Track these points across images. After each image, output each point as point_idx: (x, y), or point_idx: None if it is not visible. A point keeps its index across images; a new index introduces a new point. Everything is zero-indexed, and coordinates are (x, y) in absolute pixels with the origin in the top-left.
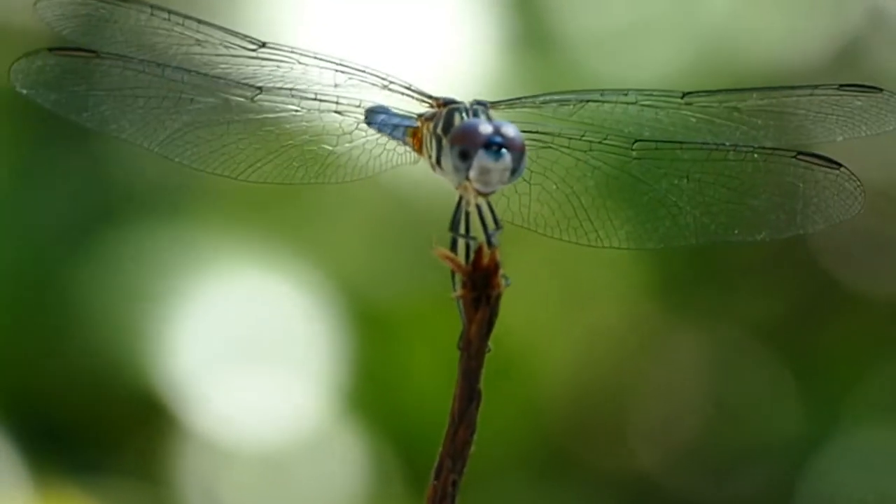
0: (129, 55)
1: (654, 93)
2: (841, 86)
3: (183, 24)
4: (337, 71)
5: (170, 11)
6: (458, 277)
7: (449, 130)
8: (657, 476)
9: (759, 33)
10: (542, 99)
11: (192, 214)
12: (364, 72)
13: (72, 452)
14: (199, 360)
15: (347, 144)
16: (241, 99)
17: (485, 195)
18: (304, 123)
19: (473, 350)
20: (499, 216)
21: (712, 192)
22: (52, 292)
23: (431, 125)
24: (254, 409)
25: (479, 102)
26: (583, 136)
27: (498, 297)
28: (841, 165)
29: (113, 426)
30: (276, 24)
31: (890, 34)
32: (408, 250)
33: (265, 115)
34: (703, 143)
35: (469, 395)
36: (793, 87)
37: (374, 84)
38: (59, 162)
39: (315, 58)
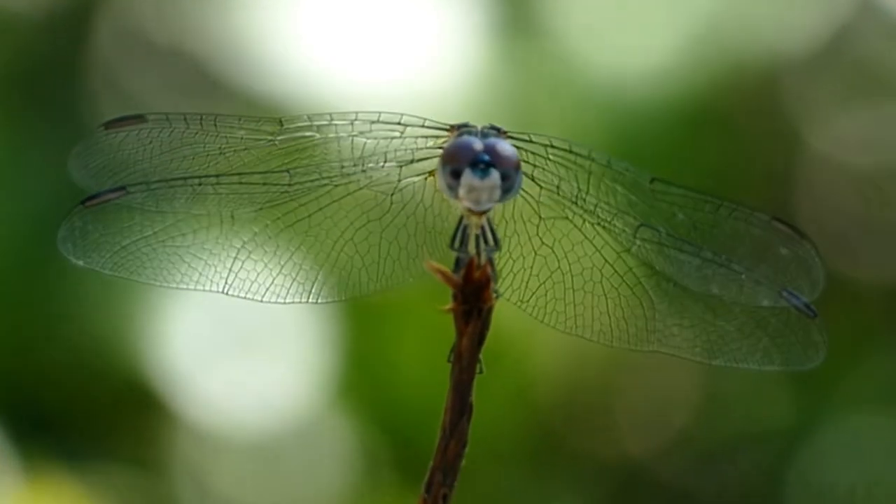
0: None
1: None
2: (774, 219)
3: (202, 127)
4: (353, 136)
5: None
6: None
7: None
8: (647, 463)
9: (749, 22)
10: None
11: None
12: (378, 121)
13: (63, 440)
14: (190, 348)
15: (391, 213)
16: (276, 187)
17: (477, 214)
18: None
19: (465, 363)
20: (498, 235)
21: (692, 302)
22: (43, 280)
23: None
24: (244, 396)
25: (492, 127)
26: (596, 207)
27: (489, 310)
28: (817, 316)
29: (104, 414)
30: (260, 26)
31: (880, 23)
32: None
33: (300, 205)
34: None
35: (460, 408)
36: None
37: (390, 134)
38: (47, 149)
39: (331, 122)
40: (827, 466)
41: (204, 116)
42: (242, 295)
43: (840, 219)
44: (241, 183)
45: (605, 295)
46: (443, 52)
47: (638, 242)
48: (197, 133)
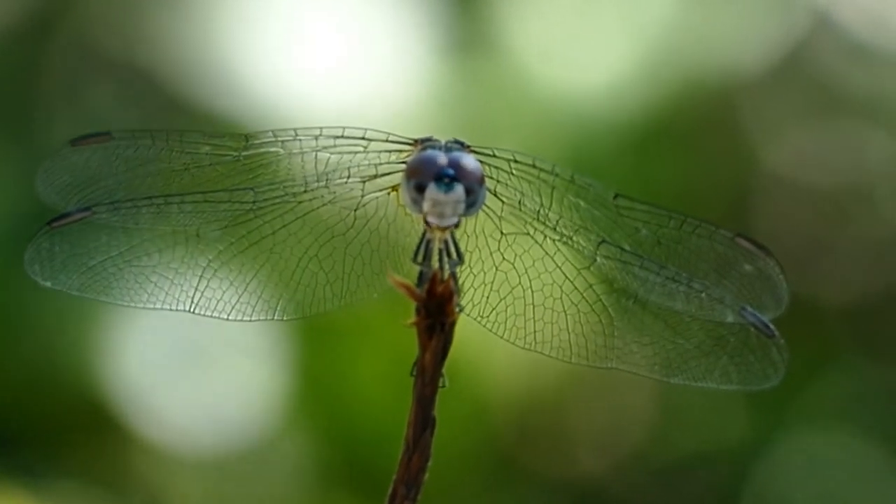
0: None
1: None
2: (737, 235)
3: (167, 144)
4: (317, 152)
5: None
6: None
7: None
8: (603, 481)
9: (706, 39)
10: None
11: None
12: (342, 136)
13: (18, 457)
14: (145, 366)
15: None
16: (241, 204)
17: (441, 228)
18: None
19: (428, 377)
20: (461, 249)
21: (652, 320)
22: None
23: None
24: (200, 414)
25: (456, 141)
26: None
27: (452, 325)
28: (776, 335)
29: (59, 431)
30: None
31: (836, 40)
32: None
33: (265, 222)
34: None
35: (423, 421)
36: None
37: (354, 149)
38: (4, 165)
39: (295, 138)
40: (783, 483)
41: (169, 133)
42: (209, 314)
43: (797, 236)
44: (206, 201)
45: (564, 311)
46: (401, 69)
47: (599, 259)
48: (162, 150)
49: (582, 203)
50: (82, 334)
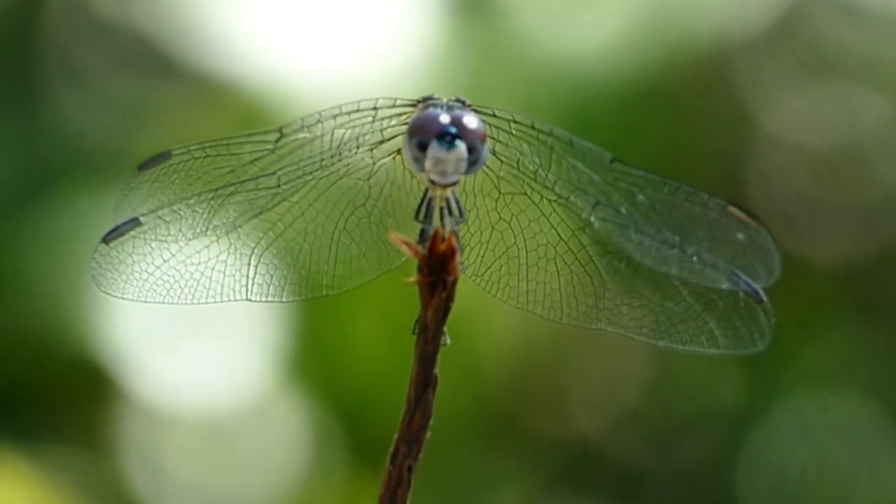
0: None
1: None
2: (730, 203)
3: (217, 151)
4: (335, 129)
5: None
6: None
7: None
8: (599, 442)
9: (700, 1)
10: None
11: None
12: (357, 110)
13: (12, 420)
14: (140, 328)
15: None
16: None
17: (442, 186)
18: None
19: (429, 335)
20: (463, 207)
21: (642, 283)
22: None
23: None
24: (196, 376)
25: (457, 100)
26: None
27: (454, 282)
28: (764, 301)
29: (54, 394)
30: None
31: (830, 2)
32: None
33: (293, 203)
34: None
35: (425, 380)
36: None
37: (364, 120)
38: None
39: (318, 121)
40: (779, 446)
41: (218, 141)
42: (264, 299)
43: (791, 198)
44: (236, 192)
45: (557, 272)
46: (395, 31)
47: (594, 220)
48: (212, 157)
49: (580, 165)
50: (77, 296)
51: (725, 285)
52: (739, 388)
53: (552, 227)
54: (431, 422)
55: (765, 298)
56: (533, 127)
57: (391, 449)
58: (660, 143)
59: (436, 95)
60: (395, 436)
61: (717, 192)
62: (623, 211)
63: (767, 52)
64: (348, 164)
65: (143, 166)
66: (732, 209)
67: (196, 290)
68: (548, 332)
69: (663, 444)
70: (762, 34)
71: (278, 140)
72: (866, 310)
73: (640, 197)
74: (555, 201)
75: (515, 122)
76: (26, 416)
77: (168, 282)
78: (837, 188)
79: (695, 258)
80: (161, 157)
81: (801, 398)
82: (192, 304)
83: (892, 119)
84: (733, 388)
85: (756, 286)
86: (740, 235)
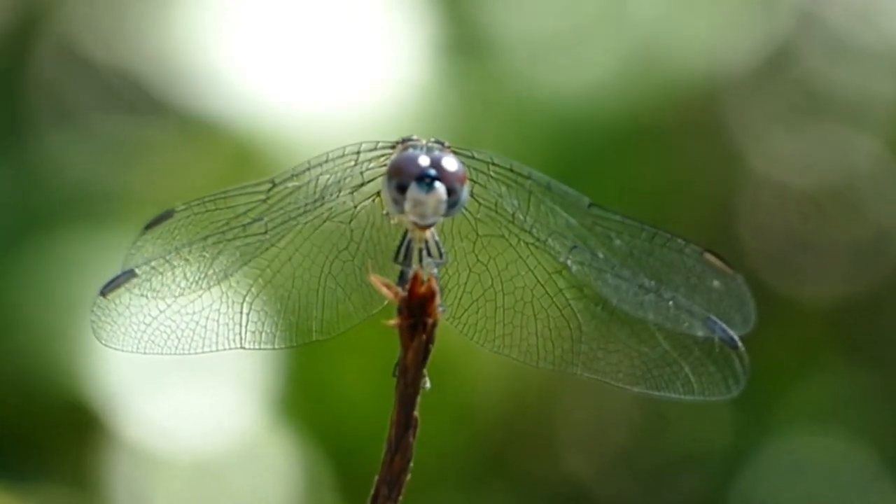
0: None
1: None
2: (706, 251)
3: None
4: (320, 176)
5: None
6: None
7: None
8: (588, 482)
9: (689, 40)
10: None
11: (121, 221)
12: (343, 155)
13: (1, 459)
14: (130, 368)
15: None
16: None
17: (422, 228)
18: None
19: (409, 377)
20: (443, 248)
21: (618, 328)
22: None
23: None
24: (185, 416)
25: (436, 141)
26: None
27: (434, 325)
28: (738, 348)
29: (44, 433)
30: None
31: (821, 41)
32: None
33: (281, 249)
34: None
35: (406, 422)
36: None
37: (347, 164)
38: None
39: (308, 168)
40: (769, 487)
41: (216, 195)
42: (258, 347)
43: (781, 238)
44: (224, 240)
45: (534, 315)
46: (384, 70)
47: (571, 263)
48: (210, 210)
49: (558, 208)
50: (67, 335)
51: (701, 332)
52: (729, 429)
53: (529, 269)
54: (412, 464)
55: (740, 345)
56: (511, 170)
57: (371, 491)
58: (649, 182)
59: (415, 136)
60: (376, 478)
61: (703, 234)
62: (600, 255)
63: (757, 92)
64: (331, 208)
65: (150, 225)
66: (709, 256)
67: (192, 339)
68: (538, 373)
69: (654, 485)
70: (752, 74)
71: (270, 190)
72: (857, 350)
73: (618, 242)
74: (532, 244)
75: (494, 164)
76: (16, 456)
77: (165, 332)
78: (827, 228)
79: (671, 303)
80: (165, 215)
81: (791, 439)
82: (190, 354)
83: (882, 159)
84: (723, 429)
85: (731, 332)
86: (716, 283)
